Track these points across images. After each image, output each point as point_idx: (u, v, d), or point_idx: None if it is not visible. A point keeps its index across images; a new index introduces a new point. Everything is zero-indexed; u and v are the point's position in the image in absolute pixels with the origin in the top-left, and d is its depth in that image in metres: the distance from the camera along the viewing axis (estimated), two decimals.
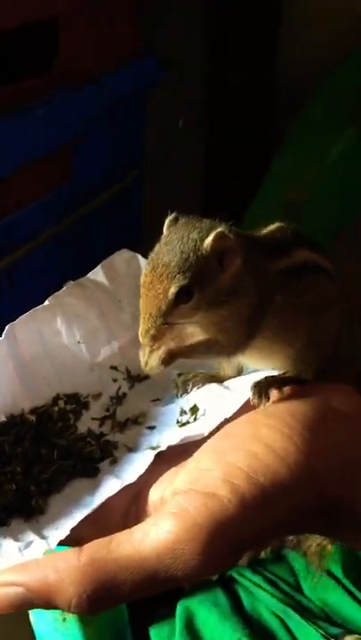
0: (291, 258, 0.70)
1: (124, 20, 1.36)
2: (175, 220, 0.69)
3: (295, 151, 1.59)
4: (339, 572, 1.02)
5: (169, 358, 0.67)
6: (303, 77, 1.69)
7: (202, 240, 0.64)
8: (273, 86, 1.77)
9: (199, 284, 0.64)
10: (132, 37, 1.40)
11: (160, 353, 0.67)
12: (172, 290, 0.64)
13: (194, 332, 0.68)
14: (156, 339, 0.66)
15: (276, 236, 0.72)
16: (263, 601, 1.05)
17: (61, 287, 1.35)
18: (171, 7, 1.61)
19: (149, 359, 0.67)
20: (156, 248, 0.67)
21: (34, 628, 1.07)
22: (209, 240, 0.64)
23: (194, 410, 0.74)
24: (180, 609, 1.06)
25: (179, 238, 0.65)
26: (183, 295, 0.64)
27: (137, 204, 1.58)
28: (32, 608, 0.57)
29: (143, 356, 0.68)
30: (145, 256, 0.85)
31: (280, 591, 1.05)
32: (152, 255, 0.66)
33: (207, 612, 1.05)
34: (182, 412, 0.75)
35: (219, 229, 0.65)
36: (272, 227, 0.74)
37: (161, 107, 1.54)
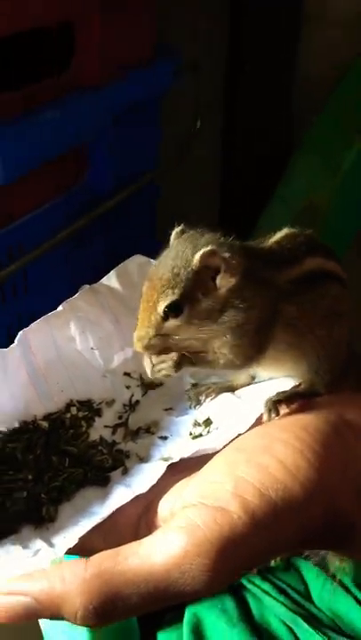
0: (301, 267, 0.70)
1: (140, 22, 1.36)
2: (181, 233, 0.70)
3: (312, 154, 1.59)
4: (349, 583, 1.02)
5: (179, 364, 0.68)
6: (321, 80, 1.69)
7: (193, 256, 0.65)
8: (291, 88, 1.76)
9: (189, 300, 0.66)
10: (148, 39, 1.40)
11: (172, 357, 0.68)
12: (162, 304, 0.66)
13: (195, 345, 0.69)
14: (148, 348, 0.67)
15: (285, 245, 0.71)
16: (272, 609, 1.05)
17: (75, 290, 1.35)
18: (188, 8, 1.61)
19: (160, 364, 0.68)
20: (157, 260, 0.68)
21: (42, 629, 1.07)
22: (197, 257, 0.65)
23: (207, 423, 0.74)
24: (188, 614, 1.05)
25: (175, 253, 0.67)
26: (172, 310, 0.66)
27: (151, 207, 1.58)
28: (38, 618, 0.57)
29: (148, 363, 0.69)
30: None
31: (290, 599, 1.05)
32: (153, 266, 0.68)
33: (215, 619, 1.04)
34: (195, 424, 0.75)
35: (208, 247, 0.65)
36: (281, 234, 0.73)
37: (177, 108, 1.54)
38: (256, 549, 0.55)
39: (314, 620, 1.01)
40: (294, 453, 0.59)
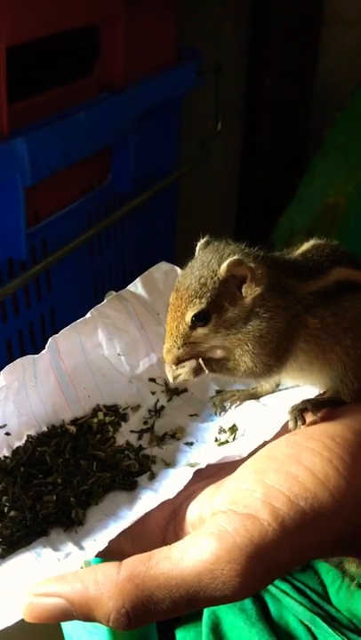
0: (326, 279, 0.70)
1: (163, 24, 1.37)
2: (206, 244, 0.71)
3: (332, 155, 1.59)
4: None
5: (199, 369, 0.70)
6: (342, 79, 1.69)
7: (220, 266, 0.67)
8: (312, 88, 1.76)
9: (216, 309, 0.67)
10: (171, 42, 1.41)
11: (191, 363, 0.69)
12: (189, 313, 0.67)
13: (219, 354, 0.70)
14: (177, 357, 0.69)
15: (310, 257, 0.72)
16: (291, 609, 1.05)
17: (96, 290, 1.37)
18: (210, 10, 1.62)
19: (179, 369, 0.70)
20: (183, 271, 0.70)
21: (62, 625, 1.08)
22: (224, 267, 0.67)
23: (233, 429, 0.75)
24: (206, 613, 1.06)
25: (201, 263, 0.68)
26: (200, 319, 0.67)
27: (172, 207, 1.59)
28: (71, 620, 0.58)
29: (169, 369, 0.71)
30: (181, 266, 0.87)
31: (308, 600, 1.05)
32: (179, 277, 0.70)
33: (234, 618, 1.05)
34: (221, 431, 0.76)
35: (235, 257, 0.66)
36: (307, 245, 0.74)
37: (197, 110, 1.54)
38: (285, 556, 0.56)
39: (333, 621, 1.02)
40: (323, 462, 0.60)
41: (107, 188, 1.36)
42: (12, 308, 1.22)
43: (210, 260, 0.68)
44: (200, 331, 0.68)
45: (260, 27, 1.66)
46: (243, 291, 0.68)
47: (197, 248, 0.72)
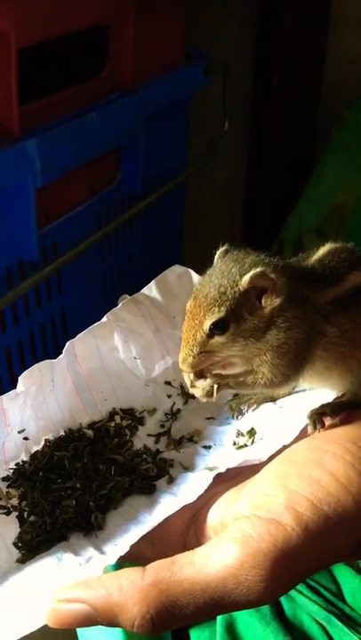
0: (343, 285, 0.70)
1: (172, 25, 1.37)
2: (225, 253, 0.71)
3: (341, 153, 1.59)
4: None
5: (213, 391, 0.69)
6: (349, 78, 1.69)
7: (241, 276, 0.66)
8: (320, 87, 1.76)
9: (235, 318, 0.66)
10: (179, 42, 1.41)
11: (206, 384, 0.69)
12: (208, 321, 0.66)
13: (236, 363, 0.70)
14: (193, 366, 0.68)
15: (327, 263, 0.71)
16: (305, 607, 1.05)
17: (106, 291, 1.37)
18: (218, 10, 1.61)
19: (194, 388, 0.70)
20: (202, 279, 0.69)
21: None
22: (246, 278, 0.66)
23: (251, 433, 0.75)
24: None
25: (221, 272, 0.67)
26: (218, 327, 0.67)
27: (180, 207, 1.59)
28: (95, 625, 0.58)
29: (187, 379, 0.70)
30: (191, 267, 0.87)
31: (322, 598, 1.05)
32: (197, 285, 0.69)
33: (248, 617, 1.05)
34: (239, 434, 0.76)
35: (259, 269, 0.66)
36: (323, 250, 0.73)
37: (205, 110, 1.54)
38: (309, 561, 0.56)
39: (348, 619, 1.02)
40: (345, 466, 0.60)
41: (116, 188, 1.36)
42: (23, 309, 1.23)
43: (230, 270, 0.67)
44: (218, 339, 0.67)
45: (267, 27, 1.65)
46: (263, 301, 0.67)
47: (216, 257, 0.71)
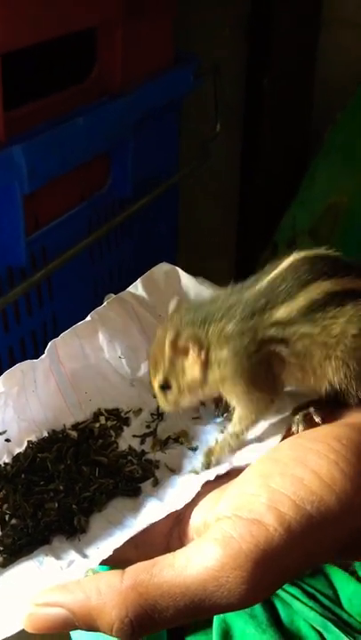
0: (300, 298, 0.68)
1: (161, 28, 1.36)
2: (178, 306, 0.79)
3: (333, 155, 1.58)
4: None
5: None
6: (341, 79, 1.68)
7: (165, 342, 0.71)
8: (312, 88, 1.76)
9: (173, 377, 0.72)
10: (168, 44, 1.40)
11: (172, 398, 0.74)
12: (155, 383, 0.73)
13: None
14: (164, 408, 0.75)
15: (279, 280, 0.70)
16: (302, 614, 1.04)
17: (98, 295, 1.36)
18: (208, 12, 1.61)
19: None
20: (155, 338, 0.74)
21: None
22: (167, 344, 0.70)
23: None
24: (216, 620, 1.05)
25: (159, 336, 0.72)
26: (164, 388, 0.72)
27: (173, 211, 1.58)
28: (73, 629, 0.56)
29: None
30: (182, 267, 0.86)
31: (319, 604, 1.04)
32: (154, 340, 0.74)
33: (244, 624, 1.04)
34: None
35: (172, 335, 0.70)
36: (285, 264, 0.71)
37: (197, 112, 1.54)
38: (292, 562, 0.55)
39: (345, 625, 1.00)
40: (329, 465, 0.58)
41: (106, 193, 1.36)
42: (13, 317, 1.21)
43: (162, 334, 0.72)
44: (169, 395, 0.73)
45: (259, 28, 1.65)
46: (189, 360, 0.70)
47: (169, 310, 0.81)
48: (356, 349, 0.68)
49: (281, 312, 0.68)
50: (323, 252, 0.71)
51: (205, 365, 0.70)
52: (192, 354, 0.70)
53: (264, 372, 0.68)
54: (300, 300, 0.68)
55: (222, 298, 0.72)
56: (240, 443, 0.70)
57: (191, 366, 0.71)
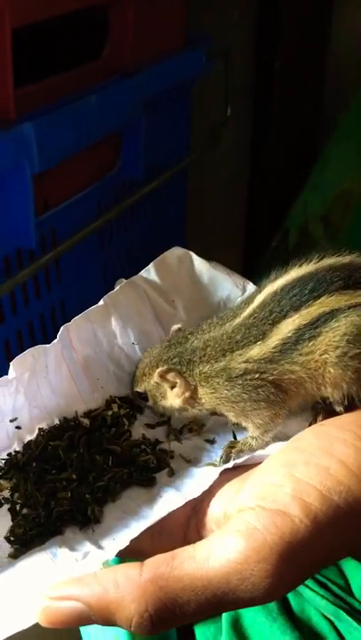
0: (299, 317, 0.68)
1: (173, 8, 1.34)
2: (178, 331, 0.77)
3: (346, 140, 1.56)
4: None
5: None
6: (355, 63, 1.66)
7: (154, 371, 0.74)
8: (324, 73, 1.73)
9: (153, 395, 0.76)
10: (180, 25, 1.38)
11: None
12: (136, 388, 0.77)
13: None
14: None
15: (273, 306, 0.70)
16: (312, 602, 1.03)
17: (108, 279, 1.34)
18: None
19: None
20: (145, 352, 0.78)
21: None
22: (155, 374, 0.73)
23: None
24: None
25: (150, 357, 0.76)
26: (141, 396, 0.77)
27: (182, 194, 1.56)
28: (90, 624, 0.55)
29: None
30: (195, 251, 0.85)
31: (330, 593, 1.03)
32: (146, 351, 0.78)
33: (254, 613, 1.03)
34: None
35: (164, 367, 0.72)
36: (289, 276, 0.71)
37: (208, 95, 1.51)
38: (318, 554, 0.53)
39: (357, 614, 0.99)
40: (356, 453, 0.57)
41: (116, 174, 1.33)
42: (21, 300, 1.20)
43: (153, 359, 0.75)
44: (141, 403, 0.78)
45: (269, 10, 1.62)
46: (173, 392, 0.73)
47: (170, 332, 0.79)
48: (344, 356, 0.67)
49: (281, 333, 0.68)
50: (310, 269, 0.70)
51: (188, 400, 0.72)
52: (178, 389, 0.72)
53: (267, 391, 0.68)
54: (308, 313, 0.68)
55: (205, 333, 0.74)
56: (262, 444, 0.69)
57: (173, 397, 0.73)
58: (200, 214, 1.66)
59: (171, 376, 0.72)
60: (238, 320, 0.71)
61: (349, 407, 0.65)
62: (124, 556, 0.63)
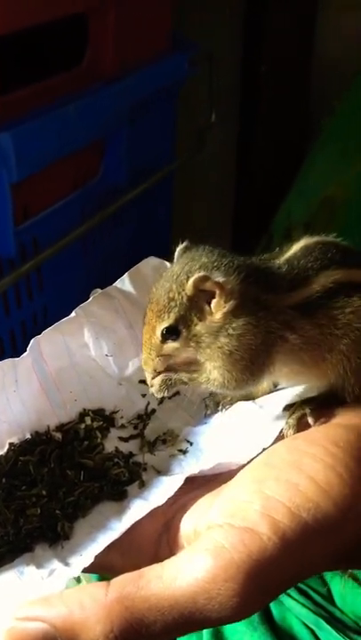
0: (310, 287, 0.67)
1: (155, 14, 1.34)
2: (185, 250, 0.70)
3: (330, 145, 1.55)
4: None
5: (167, 385, 0.69)
6: (340, 66, 1.66)
7: (187, 281, 0.65)
8: (309, 76, 1.73)
9: (185, 324, 0.66)
10: (165, 30, 1.38)
11: (159, 379, 0.69)
12: (159, 328, 0.66)
13: (193, 366, 0.69)
14: (154, 368, 0.68)
15: (296, 264, 0.68)
16: (293, 611, 1.03)
17: (91, 288, 1.34)
18: None
19: (153, 382, 0.69)
20: (158, 281, 0.69)
21: None
22: (190, 283, 0.65)
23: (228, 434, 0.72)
24: None
25: (172, 275, 0.67)
26: (170, 334, 0.67)
27: (167, 200, 1.56)
28: None
29: (149, 379, 0.70)
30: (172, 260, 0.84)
31: (311, 601, 1.03)
32: (153, 287, 0.69)
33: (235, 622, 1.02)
34: (215, 435, 0.73)
35: (201, 273, 0.65)
36: (297, 246, 0.70)
37: (193, 101, 1.51)
38: (287, 572, 0.53)
39: (337, 623, 0.99)
40: (326, 469, 0.56)
41: (99, 181, 1.33)
42: (2, 308, 1.19)
43: (180, 273, 0.66)
44: (171, 344, 0.67)
45: (255, 13, 1.62)
46: (212, 306, 0.66)
47: (176, 254, 0.70)
48: (358, 343, 0.67)
49: (300, 296, 0.66)
50: (333, 240, 0.70)
51: (224, 319, 0.65)
52: (217, 300, 0.65)
53: (263, 355, 0.66)
54: (313, 287, 0.67)
55: (245, 258, 0.69)
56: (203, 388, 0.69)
57: (210, 314, 0.66)
58: (187, 217, 1.66)
59: (209, 284, 0.65)
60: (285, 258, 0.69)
61: (322, 419, 0.65)
62: (95, 572, 0.63)
